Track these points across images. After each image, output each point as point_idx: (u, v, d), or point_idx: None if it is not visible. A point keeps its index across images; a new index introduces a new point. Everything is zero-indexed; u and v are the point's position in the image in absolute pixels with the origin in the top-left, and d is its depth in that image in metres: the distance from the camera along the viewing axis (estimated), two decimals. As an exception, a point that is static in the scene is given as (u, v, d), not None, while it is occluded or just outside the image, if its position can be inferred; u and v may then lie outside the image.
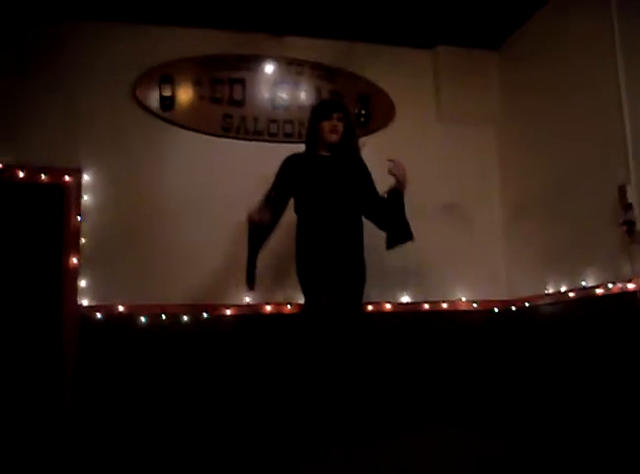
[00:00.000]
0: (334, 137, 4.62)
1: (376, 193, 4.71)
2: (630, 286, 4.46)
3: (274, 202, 4.60)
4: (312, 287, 4.52)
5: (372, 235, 4.79)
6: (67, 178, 5.22)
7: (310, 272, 4.54)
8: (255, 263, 4.65)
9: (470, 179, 6.06)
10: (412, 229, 4.62)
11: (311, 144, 4.74)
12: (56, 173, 5.21)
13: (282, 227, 4.72)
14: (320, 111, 4.74)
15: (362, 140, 4.90)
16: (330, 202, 4.57)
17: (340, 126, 4.64)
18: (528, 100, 5.77)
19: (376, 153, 5.43)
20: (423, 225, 5.73)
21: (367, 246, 4.72)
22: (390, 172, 4.54)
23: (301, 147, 4.96)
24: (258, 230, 4.62)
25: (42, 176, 5.17)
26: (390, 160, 4.54)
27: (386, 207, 4.65)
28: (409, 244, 5.15)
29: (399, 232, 4.64)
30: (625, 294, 4.50)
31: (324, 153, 4.70)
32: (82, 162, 5.27)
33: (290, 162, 4.76)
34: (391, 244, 4.67)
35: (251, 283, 4.66)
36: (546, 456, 3.71)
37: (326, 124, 4.62)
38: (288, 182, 4.67)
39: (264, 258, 4.95)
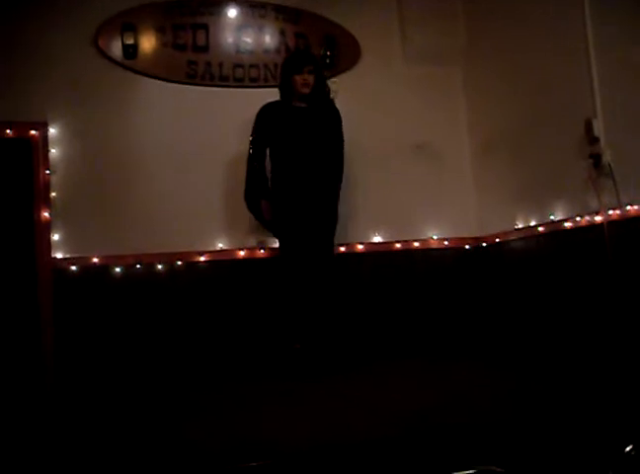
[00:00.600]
0: (305, 90, 4.88)
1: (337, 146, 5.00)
2: (597, 219, 4.51)
3: (257, 156, 4.97)
4: (285, 232, 4.88)
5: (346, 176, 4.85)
6: (33, 132, 5.15)
7: (284, 216, 4.85)
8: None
9: (438, 118, 6.06)
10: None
11: (285, 96, 4.97)
12: (22, 127, 5.14)
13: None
14: (291, 64, 4.95)
15: (335, 82, 5.29)
16: (304, 151, 4.86)
17: (310, 79, 4.89)
18: (494, 36, 5.73)
19: (344, 93, 5.46)
20: (392, 165, 5.82)
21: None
22: None
23: (267, 92, 5.01)
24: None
25: (8, 131, 5.10)
26: None
27: None
28: (380, 184, 5.32)
29: None
30: (593, 227, 4.56)
31: (299, 104, 4.94)
32: (47, 115, 5.20)
33: (266, 111, 5.01)
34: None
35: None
36: (519, 386, 3.81)
37: (298, 78, 4.87)
38: (266, 130, 4.95)
39: (237, 205, 5.00)
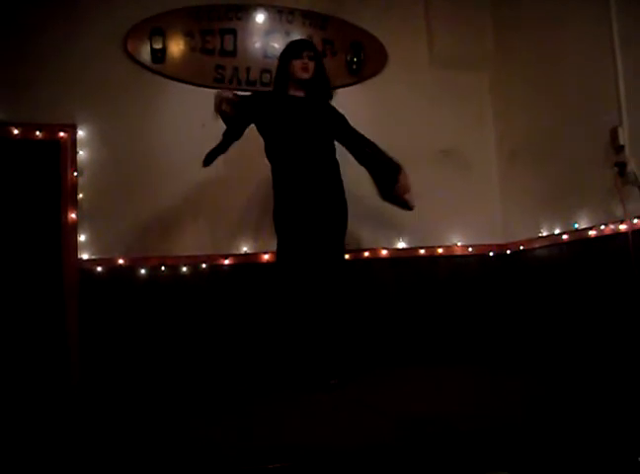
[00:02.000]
0: (305, 74, 4.47)
1: (358, 134, 4.57)
2: (622, 227, 4.50)
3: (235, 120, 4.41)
4: (289, 235, 4.43)
5: (368, 181, 4.81)
6: (62, 134, 5.22)
7: (288, 219, 4.44)
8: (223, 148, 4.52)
9: (465, 124, 6.06)
10: (407, 181, 4.51)
11: (281, 83, 4.58)
12: (51, 129, 5.21)
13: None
14: (290, 49, 4.57)
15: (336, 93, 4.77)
16: (305, 144, 4.42)
17: (310, 65, 4.48)
18: (521, 43, 5.73)
19: (371, 100, 5.48)
20: (418, 171, 5.79)
21: (363, 193, 4.75)
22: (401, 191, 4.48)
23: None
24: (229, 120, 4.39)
25: (37, 132, 5.17)
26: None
27: (377, 163, 4.52)
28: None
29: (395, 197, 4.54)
30: (617, 235, 4.54)
31: (296, 93, 4.55)
32: (76, 117, 5.27)
33: (259, 97, 4.68)
34: (386, 197, 4.57)
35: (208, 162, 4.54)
36: (543, 394, 3.80)
37: (296, 63, 4.47)
38: (252, 112, 4.49)
39: (262, 208, 5.02)
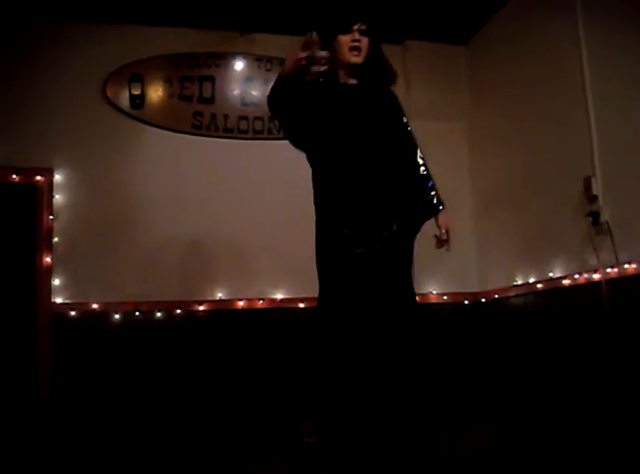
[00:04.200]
0: (357, 57, 3.40)
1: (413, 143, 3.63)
2: (596, 277, 4.52)
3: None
4: (335, 274, 3.32)
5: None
6: (39, 177, 5.23)
7: (336, 252, 3.29)
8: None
9: (441, 174, 6.08)
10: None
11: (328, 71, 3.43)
12: (28, 173, 5.22)
13: (250, 222, 4.76)
14: (336, 22, 3.51)
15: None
16: (363, 145, 3.37)
17: (364, 42, 3.41)
18: (497, 94, 5.84)
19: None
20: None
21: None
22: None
23: (271, 144, 4.98)
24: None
25: (14, 176, 5.18)
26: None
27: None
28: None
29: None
30: (591, 284, 4.57)
31: (348, 80, 3.49)
32: (54, 161, 5.29)
33: (307, 86, 3.44)
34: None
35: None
36: (515, 441, 3.79)
37: (344, 40, 3.40)
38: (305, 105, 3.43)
39: (237, 254, 5.00)
